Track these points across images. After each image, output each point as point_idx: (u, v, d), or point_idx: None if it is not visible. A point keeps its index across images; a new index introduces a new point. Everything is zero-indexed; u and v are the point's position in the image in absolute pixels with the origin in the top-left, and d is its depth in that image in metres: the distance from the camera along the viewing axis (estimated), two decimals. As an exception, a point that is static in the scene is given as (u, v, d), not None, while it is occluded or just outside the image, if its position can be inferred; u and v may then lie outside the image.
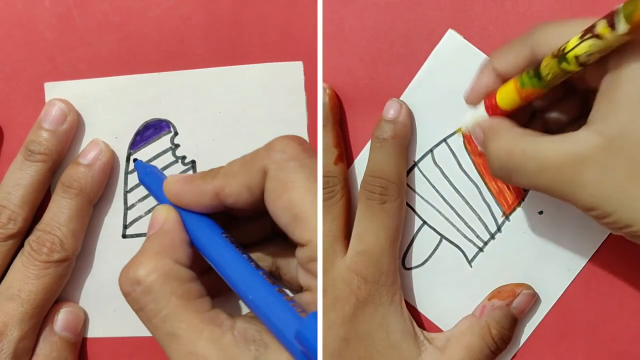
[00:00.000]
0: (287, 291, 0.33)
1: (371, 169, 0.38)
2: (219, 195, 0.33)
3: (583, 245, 0.39)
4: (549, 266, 0.39)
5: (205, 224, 0.35)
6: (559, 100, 0.36)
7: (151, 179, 0.38)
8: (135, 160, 0.40)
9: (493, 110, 0.35)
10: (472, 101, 0.37)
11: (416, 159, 0.40)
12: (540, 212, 0.39)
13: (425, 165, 0.40)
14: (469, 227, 0.40)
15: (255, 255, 0.36)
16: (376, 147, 0.38)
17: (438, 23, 0.39)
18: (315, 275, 0.32)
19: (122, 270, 0.32)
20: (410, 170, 0.40)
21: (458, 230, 0.40)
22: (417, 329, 0.38)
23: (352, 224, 0.38)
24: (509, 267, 0.39)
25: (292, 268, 0.36)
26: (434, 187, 0.40)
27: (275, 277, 0.37)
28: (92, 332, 0.40)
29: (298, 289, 0.35)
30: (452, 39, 0.39)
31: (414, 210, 0.40)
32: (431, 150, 0.40)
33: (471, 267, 0.40)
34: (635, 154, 0.30)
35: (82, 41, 0.40)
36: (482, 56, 0.39)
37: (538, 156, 0.31)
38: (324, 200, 0.38)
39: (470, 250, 0.40)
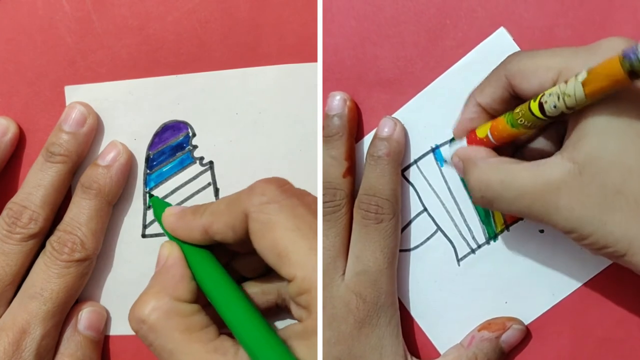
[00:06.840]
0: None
1: (366, 187, 0.38)
2: (208, 232, 0.35)
3: (575, 273, 0.38)
4: (534, 286, 0.39)
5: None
6: (540, 131, 0.36)
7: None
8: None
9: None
10: (457, 134, 0.38)
11: (439, 143, 0.39)
12: (541, 231, 0.39)
13: (443, 151, 0.39)
14: (468, 226, 0.39)
15: (260, 288, 0.37)
16: (370, 165, 0.39)
17: (426, 4, 0.39)
18: (304, 307, 0.33)
19: (130, 309, 0.34)
20: (426, 154, 0.40)
21: (456, 225, 0.40)
22: (407, 353, 0.38)
23: None
24: (495, 276, 0.39)
25: None
26: (443, 176, 0.40)
27: (282, 309, 0.37)
28: (114, 330, 0.41)
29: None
30: (501, 37, 0.39)
31: (417, 194, 0.40)
32: (454, 139, 0.39)
33: (459, 265, 0.39)
34: (604, 180, 0.31)
35: (101, 45, 0.41)
36: None
37: (515, 185, 0.33)
38: (328, 213, 0.38)
39: (463, 249, 0.40)
